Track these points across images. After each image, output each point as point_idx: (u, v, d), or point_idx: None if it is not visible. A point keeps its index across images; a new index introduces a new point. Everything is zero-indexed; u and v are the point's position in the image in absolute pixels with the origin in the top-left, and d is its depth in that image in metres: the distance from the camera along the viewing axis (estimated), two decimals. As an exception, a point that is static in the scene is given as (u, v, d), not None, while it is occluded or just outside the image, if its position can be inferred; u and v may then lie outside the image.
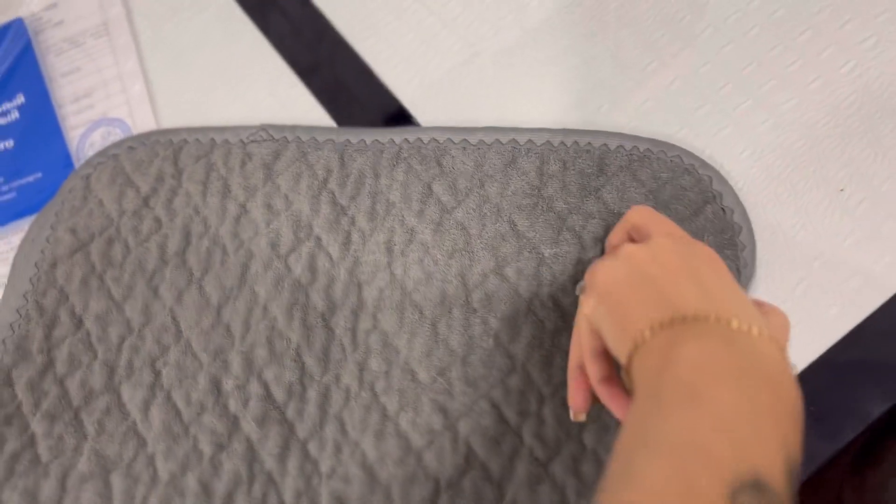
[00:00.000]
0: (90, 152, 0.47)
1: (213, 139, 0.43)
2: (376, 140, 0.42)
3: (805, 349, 0.36)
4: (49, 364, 0.39)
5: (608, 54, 0.43)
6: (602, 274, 0.30)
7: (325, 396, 0.37)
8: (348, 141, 0.42)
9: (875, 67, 0.40)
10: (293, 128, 0.43)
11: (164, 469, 0.36)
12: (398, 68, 0.46)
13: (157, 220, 0.42)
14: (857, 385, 0.35)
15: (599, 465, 0.34)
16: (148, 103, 0.47)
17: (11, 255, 0.45)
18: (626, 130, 0.41)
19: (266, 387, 0.37)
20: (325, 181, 0.41)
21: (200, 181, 0.42)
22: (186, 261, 0.40)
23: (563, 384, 0.35)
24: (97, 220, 0.42)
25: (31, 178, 0.46)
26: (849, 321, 0.36)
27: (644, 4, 0.44)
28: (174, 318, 0.39)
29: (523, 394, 0.35)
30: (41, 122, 0.47)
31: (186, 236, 0.41)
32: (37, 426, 0.37)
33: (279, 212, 0.41)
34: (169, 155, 0.43)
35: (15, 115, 0.48)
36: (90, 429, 0.37)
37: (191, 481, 0.36)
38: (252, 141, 0.43)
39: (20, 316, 0.40)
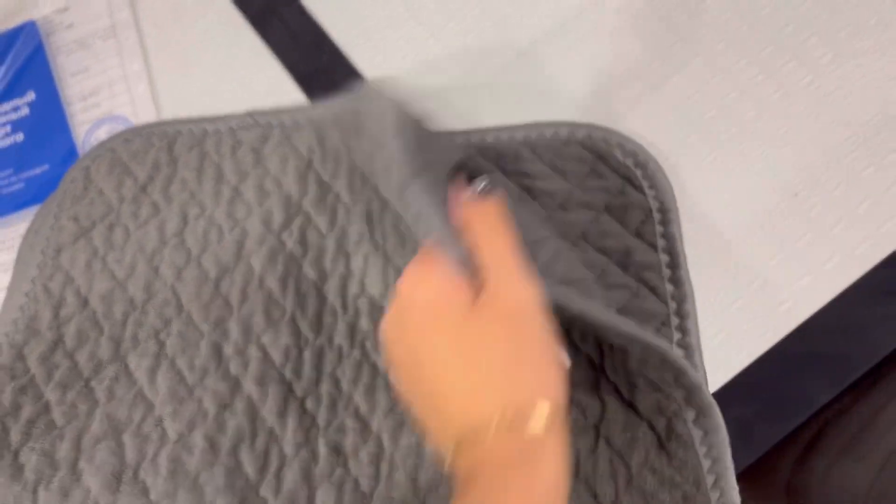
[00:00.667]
0: (95, 147, 0.50)
1: (205, 128, 0.46)
2: (346, 111, 0.43)
3: (758, 340, 0.38)
4: (59, 340, 0.41)
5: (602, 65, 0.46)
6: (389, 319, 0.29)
7: (319, 357, 0.39)
8: (323, 118, 0.45)
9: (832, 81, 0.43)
10: (276, 112, 0.46)
11: (172, 429, 0.38)
12: (385, 68, 0.49)
13: (155, 205, 0.44)
14: (806, 375, 0.38)
15: None
16: (151, 103, 0.50)
17: (18, 242, 0.47)
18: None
19: (264, 350, 0.40)
20: (310, 161, 0.44)
21: (195, 168, 0.45)
22: (185, 241, 0.43)
23: None
24: (98, 207, 0.45)
25: (38, 170, 0.49)
26: (799, 315, 0.38)
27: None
28: (175, 293, 0.42)
29: None
30: (50, 117, 0.50)
31: (184, 218, 0.44)
32: (50, 394, 0.40)
33: (270, 192, 0.43)
34: (164, 145, 0.46)
35: (25, 110, 0.51)
36: (101, 395, 0.40)
37: (198, 438, 0.38)
38: (240, 127, 0.46)
39: (29, 298, 0.43)
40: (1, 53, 0.52)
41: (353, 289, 0.41)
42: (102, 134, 0.50)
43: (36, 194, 0.48)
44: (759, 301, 0.39)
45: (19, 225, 0.48)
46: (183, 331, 0.41)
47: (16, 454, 0.38)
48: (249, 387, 0.39)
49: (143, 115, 0.50)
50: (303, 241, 0.42)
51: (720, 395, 0.38)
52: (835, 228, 0.40)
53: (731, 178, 0.41)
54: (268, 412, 0.38)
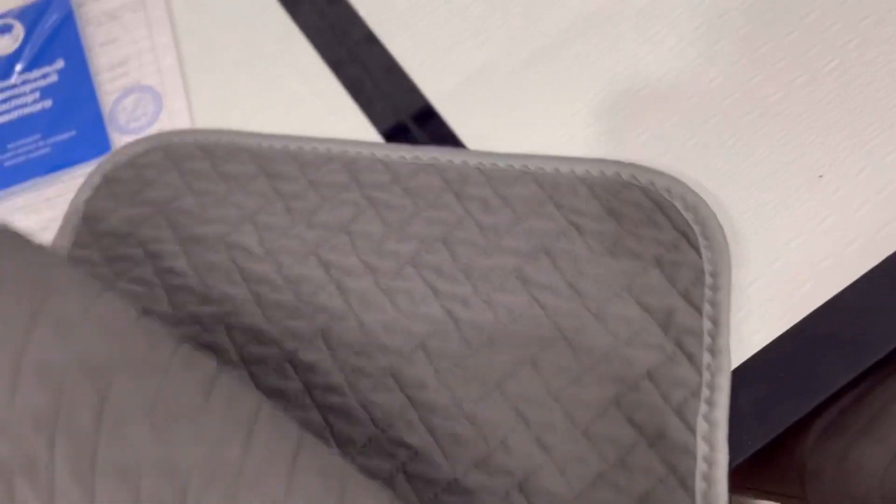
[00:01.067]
0: (122, 116, 0.50)
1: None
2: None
3: (777, 321, 0.38)
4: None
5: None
6: None
7: None
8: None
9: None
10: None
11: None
12: (426, 66, 0.49)
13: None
14: (825, 356, 0.38)
15: None
16: (179, 75, 0.51)
17: (43, 206, 0.48)
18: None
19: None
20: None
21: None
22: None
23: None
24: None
25: (65, 136, 0.49)
26: (819, 297, 0.38)
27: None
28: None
29: None
30: (78, 85, 0.51)
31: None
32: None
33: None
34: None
35: (54, 77, 0.51)
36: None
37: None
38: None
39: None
40: (32, 22, 0.53)
41: None
42: (129, 103, 0.50)
43: (62, 159, 0.49)
44: (780, 281, 0.39)
45: (46, 189, 0.49)
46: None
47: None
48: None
49: (170, 86, 0.50)
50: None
51: (737, 375, 0.37)
52: (858, 212, 0.40)
53: (753, 159, 0.42)
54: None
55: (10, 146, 0.49)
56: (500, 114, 0.46)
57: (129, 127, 0.50)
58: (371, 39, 0.50)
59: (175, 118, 0.49)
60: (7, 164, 0.49)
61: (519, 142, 0.45)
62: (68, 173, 0.49)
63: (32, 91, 0.51)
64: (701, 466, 0.34)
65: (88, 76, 0.51)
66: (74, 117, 0.50)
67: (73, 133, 0.49)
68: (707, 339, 0.37)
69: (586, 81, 0.46)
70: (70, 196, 0.47)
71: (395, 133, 0.47)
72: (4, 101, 0.51)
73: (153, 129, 0.49)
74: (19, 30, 0.53)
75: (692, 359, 0.37)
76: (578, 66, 0.46)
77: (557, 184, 0.41)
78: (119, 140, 0.49)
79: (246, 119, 0.49)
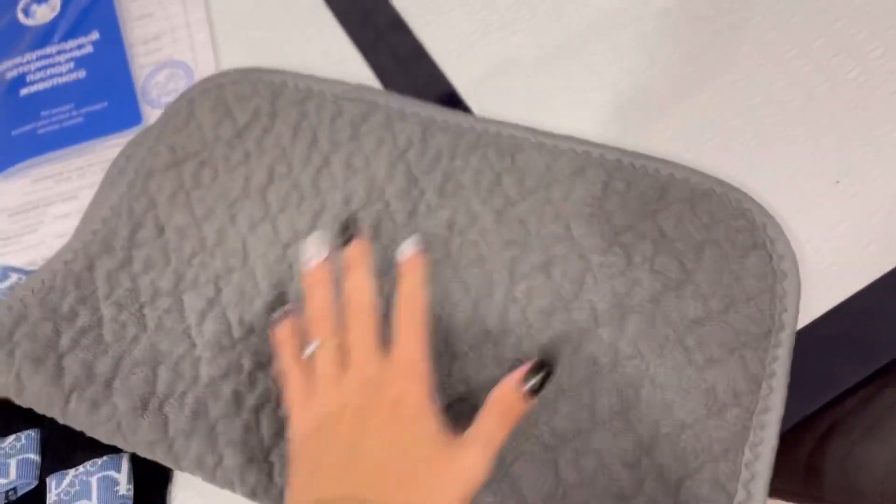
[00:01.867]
0: (154, 90, 0.51)
1: (310, 87, 0.47)
2: (459, 123, 0.45)
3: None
4: (128, 260, 0.43)
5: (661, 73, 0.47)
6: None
7: None
8: (433, 118, 0.45)
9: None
10: (386, 94, 0.46)
11: (205, 373, 0.40)
12: (453, 54, 0.49)
13: (247, 154, 0.45)
14: (834, 357, 0.38)
15: None
16: (211, 51, 0.52)
17: (74, 175, 0.49)
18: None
19: None
20: (405, 151, 0.44)
21: (292, 126, 0.46)
22: (266, 197, 0.44)
23: (585, 380, 0.38)
24: (194, 142, 0.46)
25: (97, 107, 0.50)
26: (832, 299, 0.39)
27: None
28: (244, 245, 0.43)
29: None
30: (112, 58, 0.52)
31: (270, 175, 0.44)
32: (106, 310, 0.41)
33: (357, 171, 0.44)
34: (268, 95, 0.47)
35: (89, 48, 0.52)
36: (151, 323, 0.41)
37: (226, 389, 0.39)
38: (345, 98, 0.46)
39: (112, 213, 0.44)
40: (69, -7, 0.54)
41: None
42: (162, 78, 0.52)
43: (94, 129, 0.50)
44: (793, 281, 0.40)
45: (76, 159, 0.50)
46: (242, 284, 0.42)
47: (60, 357, 0.40)
48: None
49: (202, 61, 0.51)
50: (376, 226, 0.42)
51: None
52: (873, 217, 0.40)
53: (773, 162, 0.42)
54: None
55: (43, 114, 0.50)
56: (524, 104, 0.47)
57: (160, 101, 0.51)
58: (399, 25, 0.51)
59: (206, 94, 0.50)
60: (41, 131, 0.50)
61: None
62: (100, 143, 0.50)
63: (67, 61, 0.52)
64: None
65: (122, 49, 0.52)
66: (107, 89, 0.51)
67: (105, 104, 0.50)
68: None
69: (609, 77, 0.47)
70: (102, 165, 0.49)
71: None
72: (40, 69, 0.52)
73: (184, 104, 0.50)
74: (56, 0, 0.54)
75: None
76: (602, 62, 0.47)
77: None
78: (150, 114, 0.50)
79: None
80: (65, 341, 0.40)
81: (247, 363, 0.40)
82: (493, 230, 0.42)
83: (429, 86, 0.49)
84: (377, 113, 0.46)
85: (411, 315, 0.35)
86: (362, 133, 0.45)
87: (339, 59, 0.50)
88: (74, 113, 0.50)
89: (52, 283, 0.42)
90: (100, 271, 0.42)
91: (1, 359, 0.40)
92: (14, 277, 0.45)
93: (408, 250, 0.37)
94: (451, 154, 0.44)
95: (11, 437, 0.40)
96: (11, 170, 0.49)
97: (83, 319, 0.41)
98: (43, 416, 0.39)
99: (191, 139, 0.46)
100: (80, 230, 0.45)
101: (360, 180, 0.44)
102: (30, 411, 0.40)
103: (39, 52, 0.52)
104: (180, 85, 0.51)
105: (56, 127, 0.50)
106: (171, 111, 0.47)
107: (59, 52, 0.52)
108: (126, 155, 0.47)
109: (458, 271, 0.41)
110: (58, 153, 0.50)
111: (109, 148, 0.50)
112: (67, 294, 0.41)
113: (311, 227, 0.43)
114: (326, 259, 0.38)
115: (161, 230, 0.44)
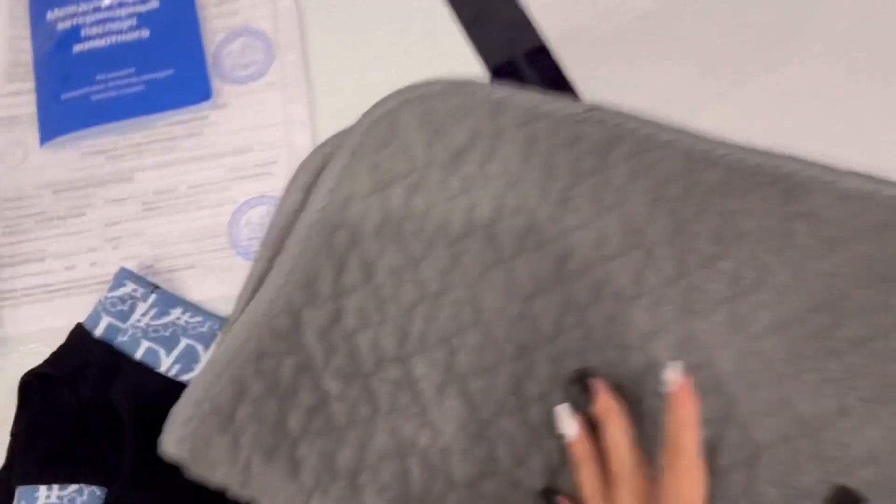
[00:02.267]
0: (227, 60, 0.44)
1: (537, 105, 0.38)
2: (727, 154, 0.37)
3: None
4: (338, 314, 0.35)
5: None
6: None
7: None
8: (693, 149, 0.37)
9: None
10: (631, 117, 0.38)
11: (461, 469, 0.34)
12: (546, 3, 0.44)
13: (468, 180, 0.37)
14: None
15: None
16: (296, 19, 0.44)
17: (130, 153, 0.42)
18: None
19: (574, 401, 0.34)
20: (664, 186, 0.37)
21: (521, 151, 0.38)
22: (497, 235, 0.37)
23: None
24: (401, 163, 0.38)
25: (162, 74, 0.43)
26: None
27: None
28: (476, 295, 0.36)
29: None
30: (181, 16, 0.45)
31: (499, 208, 0.37)
32: (329, 383, 0.35)
33: (609, 208, 0.36)
34: (485, 112, 0.38)
35: (155, 3, 0.45)
36: (383, 402, 0.35)
37: (488, 487, 0.33)
38: (583, 120, 0.38)
39: (306, 247, 0.36)
40: (133, -65, 0.46)
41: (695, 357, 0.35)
42: (236, 48, 0.44)
43: (156, 101, 0.42)
44: None
45: (134, 134, 0.43)
46: (480, 346, 0.35)
47: (294, 445, 0.33)
48: (550, 444, 0.34)
49: (285, 31, 0.44)
50: (638, 279, 0.35)
51: None
52: None
53: None
54: (568, 477, 0.33)
55: (99, 77, 0.43)
56: (618, 61, 0.41)
57: (234, 74, 0.44)
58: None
59: (288, 71, 0.43)
60: (95, 97, 0.43)
61: (631, 90, 0.39)
62: (162, 118, 0.43)
63: (129, 16, 0.45)
64: None
65: (193, 8, 0.45)
66: (174, 54, 0.44)
67: (170, 72, 0.43)
68: None
69: (705, 39, 0.40)
70: (163, 144, 0.42)
71: (503, 70, 0.42)
72: (97, 22, 0.44)
73: (262, 82, 0.43)
74: (118, -58, 0.46)
75: None
76: (702, 23, 0.40)
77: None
78: (221, 88, 0.43)
79: (362, 71, 0.43)
80: (294, 423, 0.34)
81: (505, 457, 0.34)
82: (793, 288, 0.34)
83: (518, 36, 0.43)
84: (625, 140, 0.37)
85: (685, 458, 0.30)
86: (610, 162, 0.37)
87: (428, 21, 0.44)
88: (135, 80, 0.43)
89: (261, 346, 0.34)
90: (310, 330, 0.35)
91: (224, 445, 0.33)
92: (130, 287, 0.38)
93: (673, 376, 0.31)
94: (722, 191, 0.36)
95: (73, 487, 0.34)
96: (59, 140, 0.42)
97: (307, 397, 0.34)
98: (109, 475, 0.34)
99: (396, 159, 0.38)
100: (263, 265, 0.37)
101: (614, 220, 0.36)
102: (102, 461, 0.34)
103: (95, 4, 0.45)
104: (258, 58, 0.44)
105: (113, 94, 0.43)
106: (368, 121, 0.39)
107: (120, 5, 0.45)
108: (307, 169, 0.39)
109: (751, 341, 0.34)
110: (113, 125, 0.43)
111: (173, 125, 0.43)
112: (282, 363, 0.34)
113: (556, 276, 0.36)
114: (581, 430, 0.32)
115: (370, 273, 0.36)
